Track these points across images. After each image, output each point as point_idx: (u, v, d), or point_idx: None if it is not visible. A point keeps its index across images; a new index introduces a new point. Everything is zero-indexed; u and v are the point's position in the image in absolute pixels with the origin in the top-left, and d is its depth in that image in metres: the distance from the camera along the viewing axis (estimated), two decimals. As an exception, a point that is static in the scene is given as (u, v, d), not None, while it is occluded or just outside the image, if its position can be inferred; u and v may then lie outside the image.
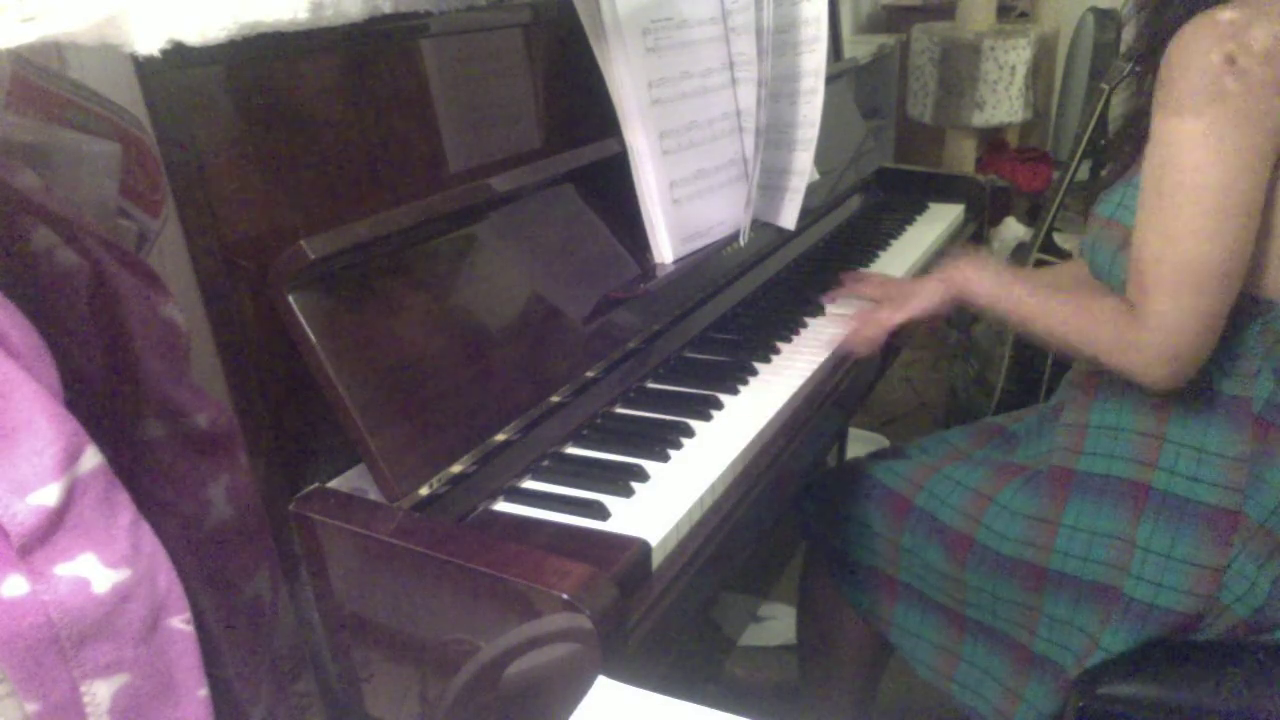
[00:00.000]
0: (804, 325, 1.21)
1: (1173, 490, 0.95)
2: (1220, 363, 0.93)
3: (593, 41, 1.02)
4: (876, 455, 1.24)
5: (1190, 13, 0.86)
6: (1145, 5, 0.96)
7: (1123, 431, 1.00)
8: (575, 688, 0.57)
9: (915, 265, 1.46)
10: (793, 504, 1.30)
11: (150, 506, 0.61)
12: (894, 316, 1.10)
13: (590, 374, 0.98)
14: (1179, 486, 0.95)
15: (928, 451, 1.20)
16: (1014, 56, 3.16)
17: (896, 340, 1.17)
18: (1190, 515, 0.94)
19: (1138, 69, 0.99)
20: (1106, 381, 1.02)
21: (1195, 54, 0.83)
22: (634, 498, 0.83)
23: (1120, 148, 0.99)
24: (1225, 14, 0.83)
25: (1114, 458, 1.00)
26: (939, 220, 1.67)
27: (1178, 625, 0.96)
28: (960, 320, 2.94)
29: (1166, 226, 0.86)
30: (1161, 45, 0.88)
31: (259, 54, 0.73)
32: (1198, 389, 0.95)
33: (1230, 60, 0.81)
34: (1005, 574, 1.03)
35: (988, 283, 1.05)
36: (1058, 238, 2.36)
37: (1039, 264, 2.64)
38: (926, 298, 1.11)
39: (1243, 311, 0.91)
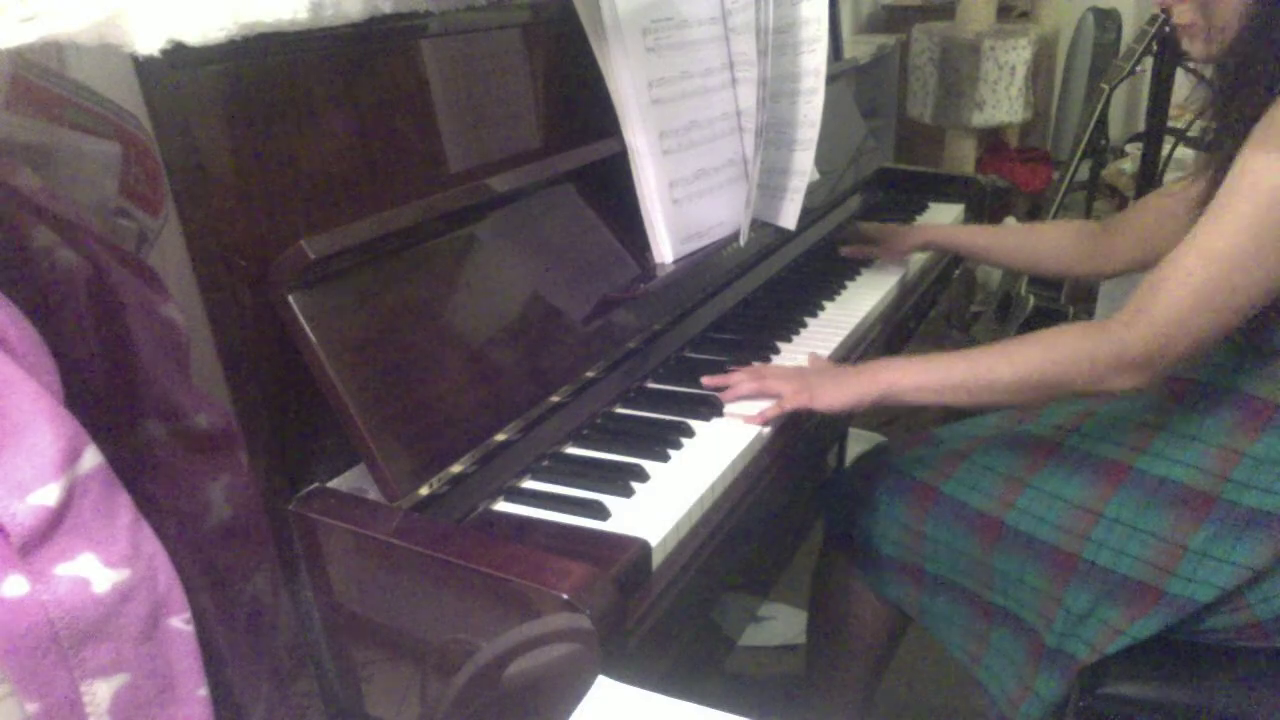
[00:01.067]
0: (804, 325, 1.21)
1: (1243, 502, 0.95)
2: None
3: (593, 41, 1.02)
4: (898, 445, 1.23)
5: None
6: (1240, 58, 0.95)
7: (1198, 442, 0.99)
8: (575, 688, 0.57)
9: (915, 265, 1.46)
10: (795, 503, 1.30)
11: (150, 506, 0.62)
12: (795, 403, 0.98)
13: (590, 374, 0.98)
14: (1251, 498, 0.95)
15: (952, 436, 1.19)
16: (1014, 56, 3.16)
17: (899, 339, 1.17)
18: (1260, 524, 0.94)
19: (1224, 108, 0.97)
20: (1192, 388, 1.02)
21: None
22: (634, 498, 0.83)
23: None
24: None
25: (1182, 464, 0.99)
26: (939, 220, 1.67)
27: (1200, 613, 0.96)
28: (960, 320, 2.95)
29: (1210, 247, 0.87)
30: (1253, 92, 0.89)
31: (259, 54, 0.73)
32: None
33: None
34: (1034, 559, 1.03)
35: (914, 370, 1.00)
36: (1060, 220, 2.36)
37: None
38: (842, 398, 1.00)
39: None
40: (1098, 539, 1.00)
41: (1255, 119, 0.89)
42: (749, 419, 0.96)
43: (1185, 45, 1.00)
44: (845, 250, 1.44)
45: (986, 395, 0.98)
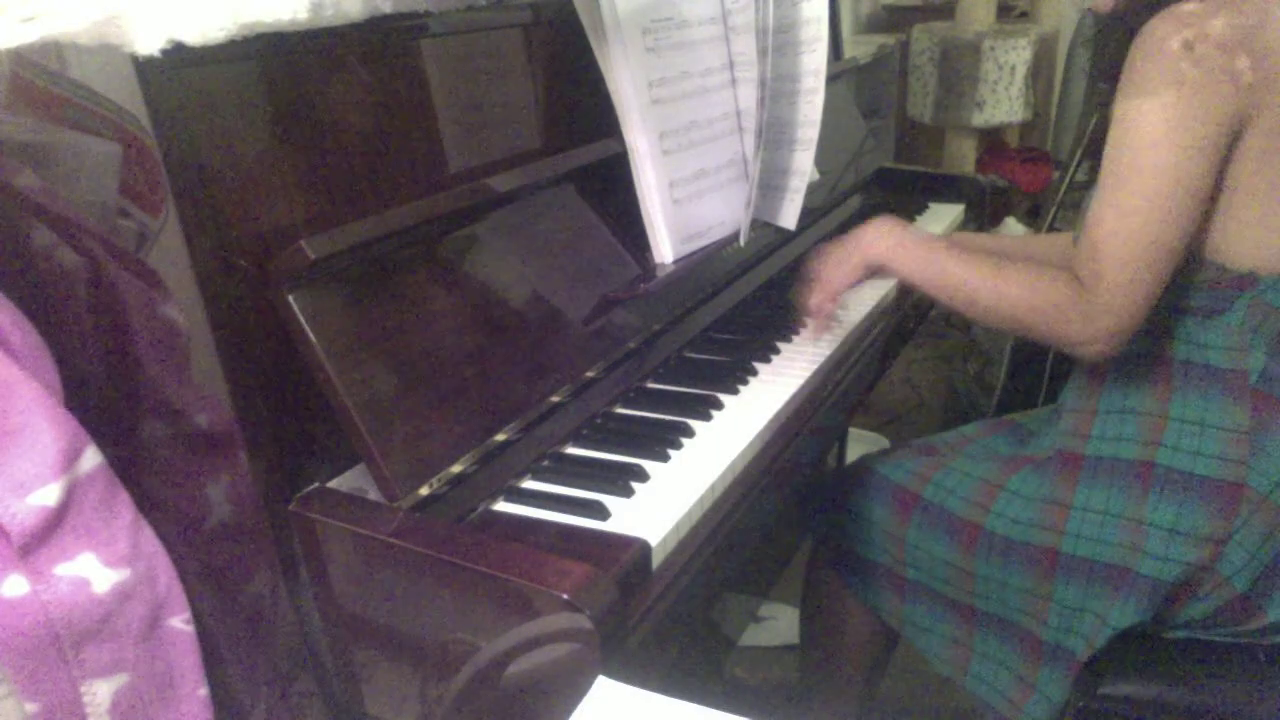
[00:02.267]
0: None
1: (1176, 465, 0.97)
2: (1214, 338, 0.96)
3: (593, 41, 1.02)
4: (883, 452, 1.25)
5: (1155, 10, 0.90)
6: (1120, 13, 0.99)
7: (1128, 414, 1.01)
8: (575, 688, 0.57)
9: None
10: (794, 504, 1.30)
11: (150, 506, 0.62)
12: (820, 297, 1.10)
13: (590, 374, 0.98)
14: (1182, 461, 0.96)
15: (936, 446, 1.20)
16: (1014, 56, 3.16)
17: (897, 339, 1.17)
18: (1194, 489, 0.95)
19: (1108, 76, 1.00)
20: (1113, 367, 1.03)
21: (1156, 41, 0.87)
22: (634, 498, 0.83)
23: (1102, 147, 1.00)
24: (1188, 5, 0.88)
25: (1120, 440, 1.01)
26: (939, 220, 1.67)
27: (1176, 596, 0.97)
28: (960, 319, 2.95)
29: (1122, 203, 0.89)
30: (1129, 43, 0.92)
31: (259, 54, 0.73)
32: (1195, 366, 0.97)
33: (1188, 46, 0.85)
34: (1016, 560, 1.04)
35: (912, 252, 1.04)
36: (1053, 234, 2.36)
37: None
38: (843, 273, 1.08)
39: (1230, 286, 0.95)
40: (1074, 531, 1.01)
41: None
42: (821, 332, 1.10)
43: (1095, 3, 1.02)
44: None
45: (963, 307, 1.01)
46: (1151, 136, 0.87)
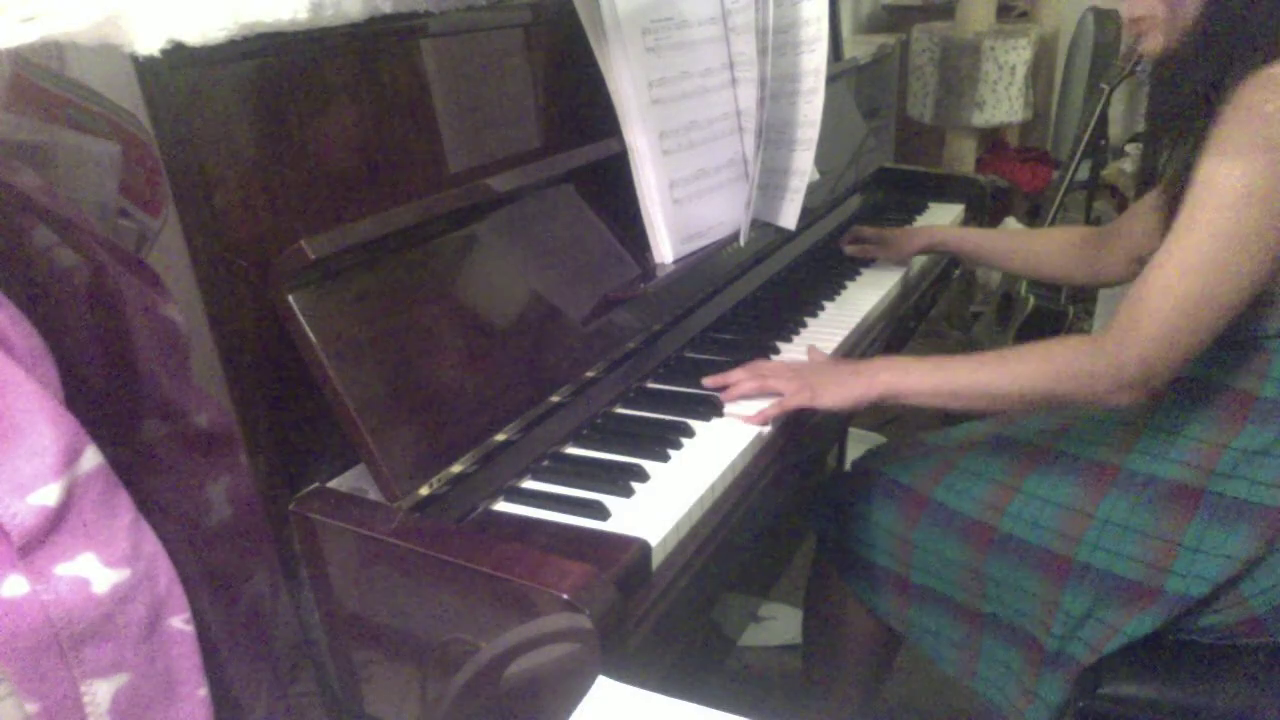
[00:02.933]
0: (804, 325, 1.21)
1: (1229, 492, 0.96)
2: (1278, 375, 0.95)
3: (593, 41, 1.02)
4: (888, 451, 1.24)
5: (1242, 68, 0.88)
6: (1177, 61, 0.97)
7: (1184, 438, 1.00)
8: (575, 688, 0.57)
9: (916, 265, 1.46)
10: (794, 504, 1.30)
11: (150, 506, 0.62)
12: (796, 402, 0.98)
13: (590, 374, 0.98)
14: (1237, 489, 0.96)
15: (941, 446, 1.19)
16: (1014, 56, 3.16)
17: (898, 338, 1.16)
18: (1246, 515, 0.95)
19: (1188, 123, 0.98)
20: (1174, 385, 1.01)
21: (1253, 105, 0.86)
22: (634, 498, 0.83)
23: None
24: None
25: (1168, 460, 1.00)
26: (939, 220, 1.67)
27: (1195, 607, 0.97)
28: (960, 320, 2.95)
29: (1186, 259, 0.88)
30: (1209, 100, 0.90)
31: (259, 54, 0.73)
32: (1266, 399, 0.96)
33: None
34: (1028, 564, 1.03)
35: (916, 371, 1.00)
36: (1057, 226, 2.36)
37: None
38: (843, 398, 1.00)
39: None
40: (1091, 541, 1.00)
41: (1196, 112, 0.90)
42: (749, 418, 0.96)
43: (1138, 43, 1.01)
44: (849, 249, 1.44)
45: (984, 403, 0.99)
46: (1234, 198, 0.86)
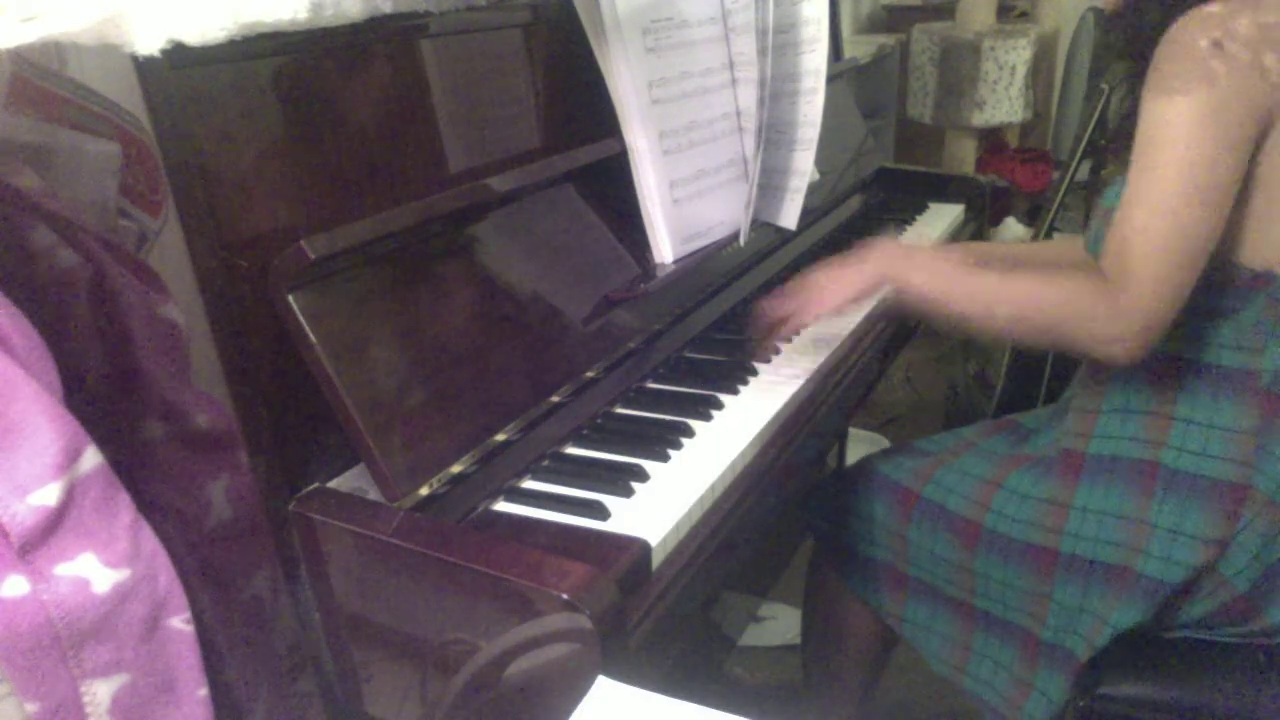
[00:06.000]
0: (804, 325, 1.21)
1: (1181, 467, 0.97)
2: (1226, 337, 0.96)
3: (593, 41, 1.02)
4: (883, 453, 1.25)
5: (1170, 9, 0.91)
6: (1126, 11, 1.00)
7: (1132, 414, 1.01)
8: (575, 688, 0.57)
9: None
10: (794, 504, 1.30)
11: (150, 506, 0.62)
12: (810, 307, 1.04)
13: (590, 374, 0.98)
14: (1187, 463, 0.96)
15: (936, 446, 1.20)
16: (1014, 56, 3.16)
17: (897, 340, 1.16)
18: (1199, 490, 0.95)
19: (1132, 71, 1.00)
20: (1119, 368, 1.03)
21: (1185, 41, 0.88)
22: (634, 498, 0.83)
23: (1122, 142, 1.00)
24: (1213, 6, 0.89)
25: (1123, 439, 1.01)
26: (939, 220, 1.67)
27: (1177, 597, 0.97)
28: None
29: (1152, 199, 0.88)
30: (1152, 42, 0.92)
31: (259, 54, 0.73)
32: (1205, 366, 0.97)
33: (1217, 45, 0.86)
34: (1016, 560, 1.04)
35: (924, 264, 1.01)
36: (1057, 237, 2.36)
37: (1039, 264, 2.64)
38: (849, 285, 1.03)
39: (1246, 285, 0.94)
40: (1072, 531, 1.01)
41: (1144, 59, 0.92)
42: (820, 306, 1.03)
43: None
44: None
45: (979, 320, 0.98)
46: (1183, 133, 0.87)
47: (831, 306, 1.04)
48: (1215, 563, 0.95)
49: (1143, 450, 1.00)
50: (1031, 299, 0.94)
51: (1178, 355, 0.99)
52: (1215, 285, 0.95)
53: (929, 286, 0.99)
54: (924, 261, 1.02)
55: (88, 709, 0.56)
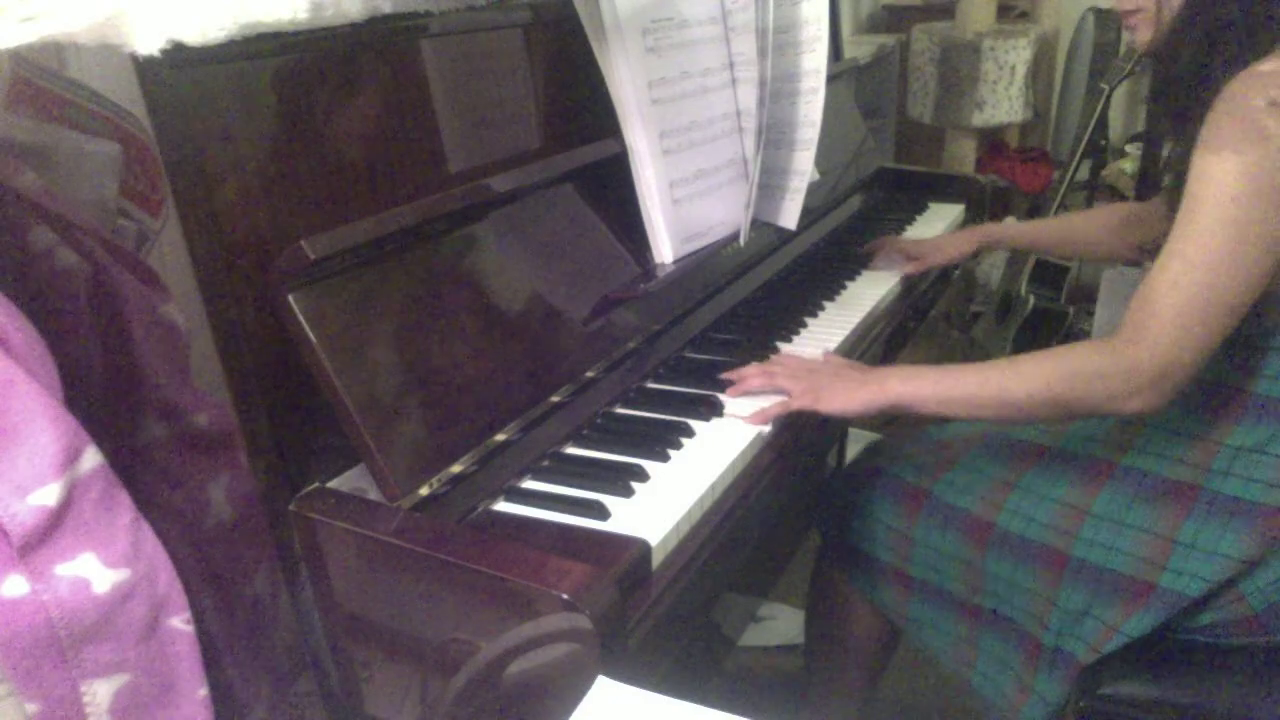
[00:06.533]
0: (804, 325, 1.21)
1: (1225, 491, 0.96)
2: (1276, 368, 0.95)
3: (593, 41, 1.02)
4: (889, 449, 1.24)
5: (1204, 57, 0.91)
6: (1160, 52, 1.00)
7: (1181, 435, 1.00)
8: (575, 688, 0.57)
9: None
10: (794, 504, 1.30)
11: (150, 506, 0.62)
12: (800, 404, 0.98)
13: (590, 374, 0.98)
14: (1233, 487, 0.96)
15: (943, 441, 1.20)
16: (1014, 56, 3.16)
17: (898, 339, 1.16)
18: (1242, 513, 0.95)
19: (1183, 120, 1.00)
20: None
21: (1240, 99, 0.87)
22: (634, 498, 0.83)
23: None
24: (1267, 65, 0.88)
25: (1167, 458, 1.00)
26: (939, 220, 1.67)
27: (1192, 606, 0.97)
28: (960, 320, 2.95)
29: (1190, 255, 0.88)
30: (1184, 87, 0.93)
31: (259, 54, 0.73)
32: (1259, 395, 0.96)
33: (1274, 104, 0.86)
34: (1027, 560, 1.04)
35: (926, 378, 0.99)
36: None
37: (1039, 264, 2.65)
38: (849, 405, 0.98)
39: None
40: (1087, 537, 1.00)
41: (1190, 105, 0.91)
42: (749, 418, 0.96)
43: (1131, 35, 1.03)
44: (906, 269, 1.40)
45: (995, 410, 0.97)
46: (1232, 191, 0.86)
47: (816, 409, 0.98)
48: (1237, 580, 0.95)
49: (1186, 473, 0.98)
50: (1038, 375, 0.94)
51: (1237, 386, 0.98)
52: (1268, 316, 0.94)
53: (934, 397, 0.98)
54: (925, 374, 0.99)
55: (88, 709, 0.56)
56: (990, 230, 1.49)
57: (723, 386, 1.02)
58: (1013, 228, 1.52)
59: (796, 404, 0.97)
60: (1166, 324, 0.88)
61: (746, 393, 1.00)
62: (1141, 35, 1.01)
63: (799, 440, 0.99)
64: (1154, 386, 0.89)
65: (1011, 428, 1.17)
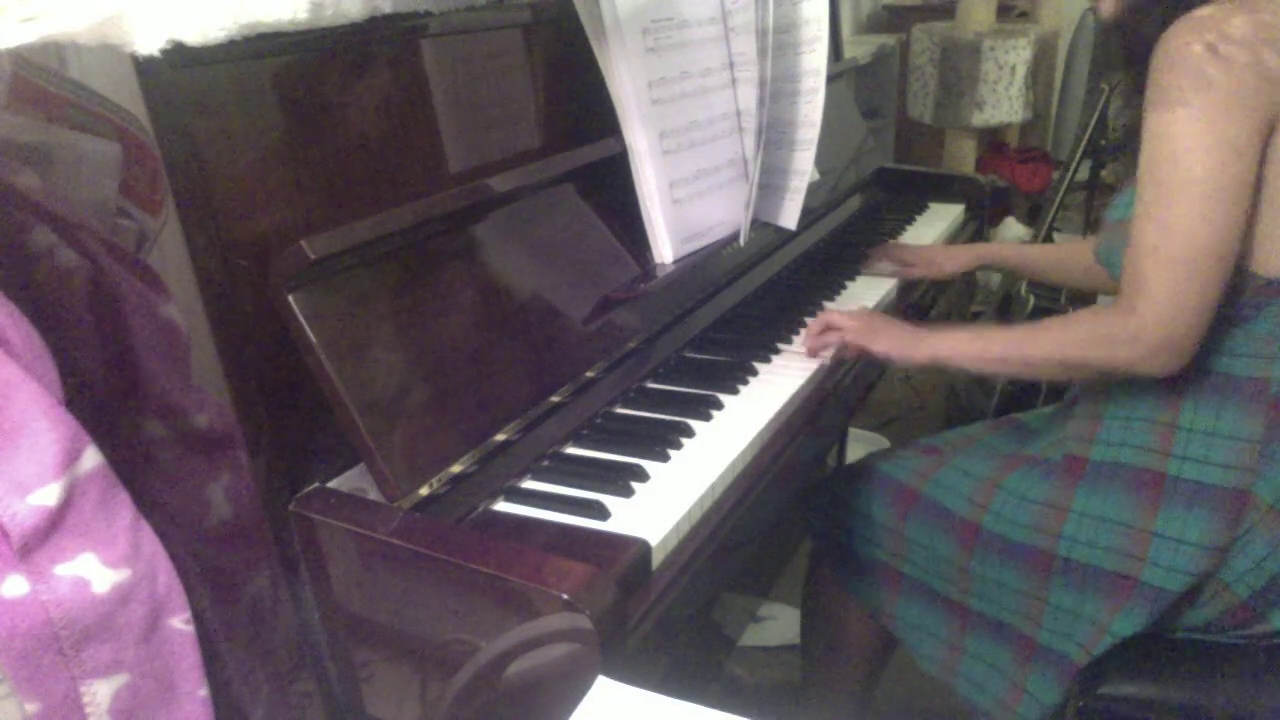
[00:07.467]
0: (804, 325, 1.21)
1: (1185, 475, 0.96)
2: (1236, 345, 0.95)
3: (593, 41, 1.02)
4: (885, 451, 1.25)
5: (1168, 17, 0.90)
6: (1123, 21, 1.00)
7: (1136, 420, 1.01)
8: (575, 688, 0.57)
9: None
10: (794, 504, 1.30)
11: (150, 506, 0.61)
12: (855, 338, 1.08)
13: (590, 374, 0.98)
14: (1191, 471, 0.96)
15: (938, 446, 1.20)
16: (1014, 56, 3.16)
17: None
18: (1202, 498, 0.95)
19: (1131, 81, 1.00)
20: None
21: (1178, 49, 0.87)
22: (634, 498, 0.83)
23: (1127, 154, 1.01)
24: (1203, 11, 0.87)
25: (1127, 446, 1.01)
26: (939, 220, 1.67)
27: (1177, 603, 0.97)
28: (960, 320, 2.94)
29: (1162, 215, 0.88)
30: (1145, 52, 0.91)
31: (259, 54, 0.73)
32: (1213, 374, 0.96)
33: (1212, 49, 0.85)
34: (1013, 561, 1.04)
35: (965, 342, 1.04)
36: (1058, 238, 2.36)
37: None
38: (896, 349, 1.07)
39: (1258, 293, 0.93)
40: (1070, 535, 1.01)
41: (1141, 69, 0.91)
42: (810, 350, 1.09)
43: (1096, 10, 1.03)
44: (884, 268, 1.42)
45: (1021, 368, 1.03)
46: (1186, 145, 0.85)
47: (866, 354, 1.09)
48: (1216, 569, 0.95)
49: (1147, 459, 0.99)
50: (1053, 340, 0.97)
51: (1194, 364, 0.97)
52: (1227, 293, 0.94)
53: (971, 356, 1.04)
54: (964, 338, 1.05)
55: (88, 709, 0.56)
56: (988, 250, 1.48)
57: (723, 388, 1.02)
58: (1010, 250, 1.51)
59: (851, 337, 1.06)
60: (1158, 290, 0.88)
61: (809, 337, 1.11)
62: (1105, 7, 1.01)
63: (799, 439, 0.99)
64: (1167, 347, 0.89)
65: (1003, 433, 1.18)
